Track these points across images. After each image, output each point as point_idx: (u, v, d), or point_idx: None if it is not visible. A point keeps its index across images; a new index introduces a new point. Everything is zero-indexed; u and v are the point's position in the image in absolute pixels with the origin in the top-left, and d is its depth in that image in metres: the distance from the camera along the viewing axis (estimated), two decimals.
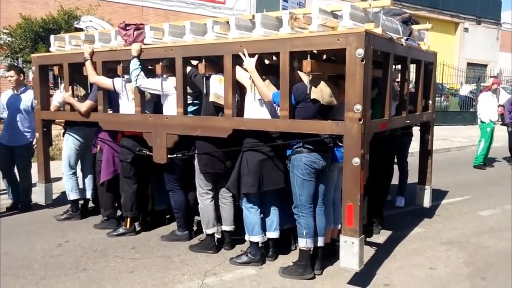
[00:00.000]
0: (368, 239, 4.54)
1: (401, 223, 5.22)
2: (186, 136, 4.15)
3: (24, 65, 9.81)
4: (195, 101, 4.31)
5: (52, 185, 5.60)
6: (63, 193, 5.56)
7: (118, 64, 4.56)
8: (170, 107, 4.25)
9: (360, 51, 3.15)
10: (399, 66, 4.64)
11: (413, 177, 5.67)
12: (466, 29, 25.57)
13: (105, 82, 4.56)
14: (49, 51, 5.48)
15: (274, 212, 4.03)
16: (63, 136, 5.35)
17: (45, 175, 5.41)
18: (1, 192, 6.05)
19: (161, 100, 4.39)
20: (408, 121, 4.48)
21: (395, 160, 5.76)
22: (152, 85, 4.28)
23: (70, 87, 4.93)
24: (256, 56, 3.70)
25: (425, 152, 5.23)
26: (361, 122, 3.22)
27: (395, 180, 5.63)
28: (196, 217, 4.72)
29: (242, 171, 3.85)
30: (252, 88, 3.79)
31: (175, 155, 4.27)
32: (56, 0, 13.20)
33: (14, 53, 11.16)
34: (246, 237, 4.02)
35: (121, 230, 4.74)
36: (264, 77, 3.76)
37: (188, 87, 4.20)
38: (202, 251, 4.27)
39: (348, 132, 3.28)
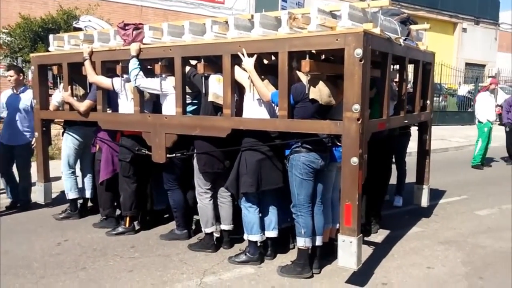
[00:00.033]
0: (366, 238, 4.56)
1: (399, 223, 5.24)
2: (185, 135, 4.16)
3: (23, 65, 9.81)
4: (194, 101, 4.32)
5: (52, 184, 5.62)
6: (63, 192, 5.57)
7: (117, 63, 4.57)
8: (169, 107, 4.26)
9: (359, 51, 3.17)
10: (397, 66, 4.66)
11: (411, 177, 5.68)
12: (464, 29, 25.60)
13: (104, 81, 4.57)
14: (48, 51, 5.49)
15: (272, 212, 4.05)
16: (63, 135, 5.36)
17: (44, 174, 5.42)
18: (0, 191, 6.06)
19: (160, 100, 4.40)
20: (406, 121, 4.50)
21: (393, 159, 5.78)
22: (151, 84, 4.29)
23: (69, 86, 4.94)
24: (255, 56, 3.72)
25: (423, 151, 5.26)
26: (359, 122, 3.24)
27: (393, 180, 5.64)
28: (195, 216, 4.74)
29: (241, 170, 3.87)
30: (251, 88, 3.80)
31: (174, 155, 4.28)
32: (55, 0, 13.18)
33: (13, 52, 11.15)
34: (245, 236, 4.04)
35: (120, 229, 4.76)
36: (263, 77, 3.78)
37: (187, 87, 4.21)
38: (201, 250, 4.28)
39: (347, 131, 3.29)
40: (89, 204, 5.55)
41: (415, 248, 4.50)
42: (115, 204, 5.02)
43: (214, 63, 4.03)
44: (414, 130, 5.56)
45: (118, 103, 4.65)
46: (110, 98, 4.75)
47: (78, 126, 5.15)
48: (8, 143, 5.57)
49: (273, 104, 3.71)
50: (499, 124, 11.13)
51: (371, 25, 3.45)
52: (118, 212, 5.03)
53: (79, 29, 5.30)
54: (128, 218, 4.76)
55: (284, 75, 3.51)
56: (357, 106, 3.22)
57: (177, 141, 4.23)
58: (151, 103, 4.61)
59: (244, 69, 3.80)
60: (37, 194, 5.54)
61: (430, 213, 5.62)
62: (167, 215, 5.13)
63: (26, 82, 6.36)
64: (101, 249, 4.37)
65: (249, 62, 3.68)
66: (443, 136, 13.03)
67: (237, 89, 3.99)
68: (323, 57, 4.07)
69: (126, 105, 4.55)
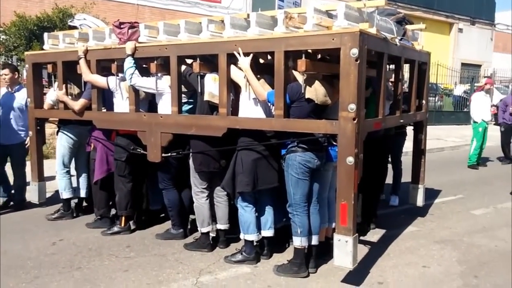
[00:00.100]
0: (362, 238, 4.56)
1: (394, 222, 5.25)
2: (181, 135, 4.15)
3: (18, 63, 9.76)
4: (189, 100, 4.31)
5: (46, 183, 5.59)
6: (57, 192, 5.54)
7: (112, 62, 4.54)
8: (165, 106, 4.24)
9: (355, 51, 3.17)
10: (393, 66, 4.67)
11: (407, 176, 5.69)
12: (460, 30, 25.70)
13: (99, 80, 4.55)
14: (43, 49, 5.46)
15: (268, 211, 4.04)
16: (57, 134, 5.33)
17: (38, 173, 5.40)
18: None
19: (156, 99, 4.39)
20: (401, 121, 4.50)
21: (389, 159, 5.79)
22: (146, 83, 4.28)
23: (64, 85, 4.92)
24: (251, 55, 3.71)
25: (418, 151, 5.27)
26: (355, 121, 3.24)
27: (389, 179, 5.66)
28: (191, 216, 4.73)
29: (237, 170, 3.86)
30: (247, 87, 3.80)
31: (169, 154, 4.27)
32: None
33: (8, 51, 11.11)
34: (241, 236, 4.03)
35: (115, 228, 4.74)
36: (259, 76, 3.77)
37: (182, 86, 4.20)
38: (197, 250, 4.28)
39: (342, 131, 3.29)
40: (84, 203, 5.52)
41: (410, 247, 4.51)
42: (110, 203, 5.00)
43: (210, 62, 4.02)
44: (410, 130, 5.57)
45: (113, 102, 4.63)
46: (105, 97, 4.72)
47: (73, 125, 5.12)
48: (2, 142, 5.54)
49: (269, 104, 3.70)
50: (494, 124, 11.18)
51: (367, 25, 3.45)
52: (113, 211, 5.01)
53: (74, 28, 5.27)
54: (123, 218, 4.74)
55: (280, 74, 3.51)
56: (353, 106, 3.22)
57: (172, 140, 4.22)
58: (146, 102, 4.60)
59: (240, 68, 3.79)
60: (31, 194, 5.51)
61: (425, 213, 5.64)
62: (163, 215, 5.12)
63: (21, 81, 6.32)
64: (96, 248, 4.35)
65: (245, 61, 3.68)
66: (439, 136, 13.07)
67: (233, 88, 3.98)
68: (319, 56, 4.06)
69: (121, 104, 4.53)
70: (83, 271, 3.86)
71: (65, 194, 5.25)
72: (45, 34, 5.29)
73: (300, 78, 3.57)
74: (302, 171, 3.63)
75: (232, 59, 3.80)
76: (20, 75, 6.12)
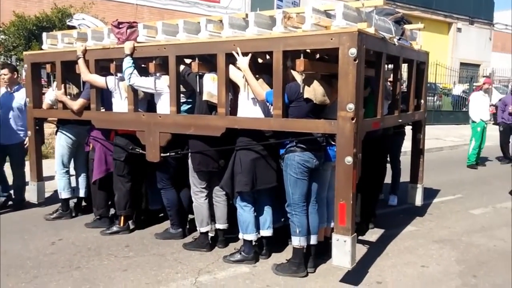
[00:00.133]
0: (360, 237, 4.57)
1: (393, 222, 5.25)
2: (180, 134, 4.15)
3: (17, 63, 9.76)
4: (188, 100, 4.31)
5: (45, 183, 5.59)
6: (56, 192, 5.54)
7: (111, 62, 4.54)
8: (164, 106, 4.25)
9: (353, 51, 3.17)
10: (391, 66, 4.67)
11: (406, 176, 5.70)
12: (459, 29, 25.72)
13: (98, 80, 4.55)
14: (42, 49, 5.46)
15: (267, 211, 4.05)
16: (56, 134, 5.34)
17: (37, 173, 5.40)
18: None
19: (155, 99, 4.39)
20: (400, 120, 4.51)
21: (388, 159, 5.80)
22: (145, 83, 4.28)
23: (63, 85, 4.92)
24: (250, 55, 3.71)
25: (417, 151, 5.27)
26: (353, 121, 3.24)
27: (388, 179, 5.66)
28: (190, 216, 4.73)
29: (236, 169, 3.86)
30: (246, 87, 3.80)
31: (168, 154, 4.27)
32: None
33: (7, 51, 11.10)
34: (240, 236, 4.03)
35: (114, 228, 4.74)
36: (257, 76, 3.77)
37: (181, 86, 4.20)
38: (195, 249, 4.28)
39: (341, 131, 3.30)
40: (83, 203, 5.52)
41: (409, 247, 4.51)
42: (109, 203, 5.00)
43: (208, 62, 4.02)
44: (408, 129, 5.58)
45: (112, 101, 4.63)
46: (104, 96, 4.73)
47: (71, 124, 5.12)
48: (1, 142, 5.54)
49: (268, 103, 3.71)
50: (493, 124, 11.19)
51: (365, 24, 3.45)
52: (112, 211, 5.01)
53: (73, 27, 5.27)
54: (122, 218, 4.75)
55: (279, 74, 3.51)
56: (351, 106, 3.22)
57: (171, 140, 4.22)
58: (145, 102, 4.60)
59: (238, 68, 3.80)
60: (30, 194, 5.52)
61: (424, 212, 5.64)
62: (162, 215, 5.12)
63: (20, 81, 6.32)
64: (96, 248, 4.35)
65: (243, 61, 3.68)
66: (438, 136, 13.08)
67: (232, 88, 3.98)
68: (317, 56, 4.07)
69: (120, 103, 4.53)
70: (82, 270, 3.86)
71: (64, 194, 5.25)
72: (44, 34, 5.29)
73: (298, 78, 3.57)
74: (300, 171, 3.64)
75: (230, 59, 3.81)
76: (19, 75, 6.12)
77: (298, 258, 3.77)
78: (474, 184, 7.40)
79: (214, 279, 3.71)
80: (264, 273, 3.82)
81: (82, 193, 5.39)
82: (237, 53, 3.70)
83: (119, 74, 4.48)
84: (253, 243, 4.04)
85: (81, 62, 4.58)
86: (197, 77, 4.01)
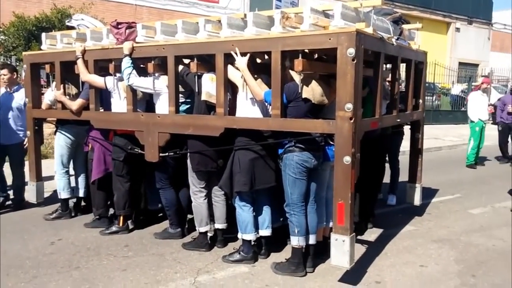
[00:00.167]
0: (359, 237, 4.57)
1: (392, 221, 5.26)
2: (178, 134, 4.16)
3: (17, 64, 9.77)
4: (187, 100, 4.32)
5: (44, 183, 5.59)
6: (55, 192, 5.54)
7: (110, 62, 4.55)
8: (162, 106, 4.25)
9: (351, 51, 3.18)
10: (389, 65, 4.68)
11: (404, 176, 5.71)
12: (457, 29, 25.74)
13: (97, 80, 4.55)
14: (41, 50, 5.46)
15: (266, 210, 4.05)
16: (55, 134, 5.34)
17: (36, 173, 5.40)
18: None
19: (153, 99, 4.40)
20: (398, 120, 4.52)
21: (387, 158, 5.80)
22: (144, 83, 4.28)
23: (62, 85, 4.92)
24: (248, 55, 3.72)
25: (415, 150, 5.28)
26: (352, 121, 3.25)
27: (386, 179, 5.67)
28: (189, 215, 4.73)
29: (234, 169, 3.87)
30: (244, 87, 3.81)
31: (167, 154, 4.28)
32: None
33: (7, 51, 11.12)
34: (239, 235, 4.04)
35: (114, 228, 4.74)
36: (256, 76, 3.78)
37: (180, 86, 4.21)
38: (194, 249, 4.28)
39: (339, 131, 3.30)
40: (82, 203, 5.52)
41: (408, 246, 4.52)
42: (109, 203, 5.01)
43: (207, 62, 4.03)
44: (407, 129, 5.58)
45: (111, 102, 4.63)
46: (103, 97, 4.73)
47: (71, 124, 5.12)
48: (1, 142, 5.54)
49: (266, 103, 3.72)
50: (492, 123, 11.20)
51: (363, 24, 3.46)
52: (111, 211, 5.01)
53: (72, 28, 5.28)
54: (122, 217, 4.75)
55: (277, 74, 3.52)
56: (349, 105, 3.23)
57: (170, 140, 4.22)
58: (144, 102, 4.60)
59: (237, 68, 3.80)
60: (29, 194, 5.52)
61: (423, 212, 5.65)
62: (161, 214, 5.12)
63: (20, 81, 6.33)
64: (95, 248, 4.36)
65: (242, 61, 3.69)
66: (436, 135, 13.09)
67: (230, 88, 3.99)
68: (316, 56, 4.07)
69: (119, 104, 4.54)
70: (82, 270, 3.87)
71: (64, 194, 5.25)
72: (43, 34, 5.29)
73: (297, 77, 3.58)
74: (299, 171, 3.64)
75: (229, 59, 3.81)
76: (18, 75, 6.13)
77: (297, 258, 3.78)
78: (473, 184, 7.41)
79: (213, 279, 3.71)
80: (263, 273, 3.83)
81: (81, 193, 5.39)
82: (236, 53, 3.70)
83: (118, 74, 4.48)
84: (252, 243, 4.04)
85: (80, 62, 4.59)
86: (196, 77, 4.02)
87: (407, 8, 21.26)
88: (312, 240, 3.86)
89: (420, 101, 5.10)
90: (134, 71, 4.24)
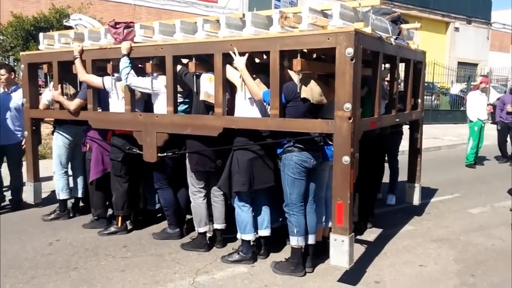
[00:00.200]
0: (358, 237, 4.57)
1: (391, 221, 5.25)
2: (177, 134, 4.15)
3: (15, 64, 9.76)
4: (185, 100, 4.31)
5: (42, 184, 5.58)
6: (53, 192, 5.53)
7: (108, 62, 4.54)
8: (161, 106, 4.24)
9: (350, 50, 3.17)
10: (388, 65, 4.67)
11: (404, 175, 5.70)
12: (456, 29, 25.76)
13: (95, 80, 4.54)
14: (39, 50, 5.45)
15: (265, 210, 4.04)
16: (52, 134, 5.32)
17: (34, 174, 5.38)
18: None
19: (152, 99, 4.38)
20: (397, 120, 4.51)
21: (386, 158, 5.79)
22: (142, 83, 4.27)
23: (60, 85, 4.91)
24: (247, 54, 3.71)
25: (414, 150, 5.28)
26: (350, 120, 3.24)
27: (386, 178, 5.66)
28: (188, 216, 4.72)
29: (233, 169, 3.86)
30: (243, 86, 3.80)
31: (165, 154, 4.27)
32: None
33: (5, 51, 11.10)
34: (238, 236, 4.03)
35: (112, 228, 4.73)
36: (254, 75, 3.77)
37: (178, 86, 4.19)
38: (193, 250, 4.27)
39: (338, 130, 3.29)
40: (81, 204, 5.51)
41: (407, 246, 4.51)
42: (107, 204, 4.99)
43: (205, 62, 4.02)
44: (406, 129, 5.58)
45: (109, 102, 4.62)
46: (101, 97, 4.72)
47: (68, 125, 5.11)
48: None
49: (265, 103, 3.71)
50: (491, 123, 11.19)
51: (362, 24, 3.46)
52: (110, 212, 5.00)
53: (70, 28, 5.26)
54: (120, 218, 4.73)
55: (276, 74, 3.51)
56: (348, 105, 3.22)
57: (168, 140, 4.21)
58: (142, 102, 4.59)
59: (235, 68, 3.79)
60: (27, 194, 5.51)
61: (422, 212, 5.65)
62: (160, 215, 5.11)
63: (18, 81, 6.31)
64: (93, 249, 4.34)
65: (240, 61, 3.68)
66: (436, 135, 13.09)
67: (229, 88, 3.98)
68: (314, 56, 4.06)
69: (117, 104, 4.53)
70: (80, 271, 3.85)
71: (62, 195, 5.23)
72: (41, 34, 5.28)
73: (295, 77, 3.57)
74: (298, 171, 3.63)
75: (227, 59, 3.80)
76: (16, 76, 6.12)
77: (296, 258, 3.77)
78: (472, 183, 7.41)
79: (212, 279, 3.70)
80: (262, 273, 3.82)
81: (79, 194, 5.37)
82: (234, 53, 3.69)
83: (116, 74, 4.47)
84: (251, 243, 4.04)
85: (78, 62, 4.57)
86: (194, 77, 4.01)
87: (406, 8, 21.26)
88: (311, 240, 3.86)
89: (419, 100, 5.10)
90: (132, 71, 4.23)
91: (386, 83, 4.89)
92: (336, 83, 3.27)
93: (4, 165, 5.79)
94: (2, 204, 5.70)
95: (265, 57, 4.07)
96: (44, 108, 5.19)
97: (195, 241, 4.35)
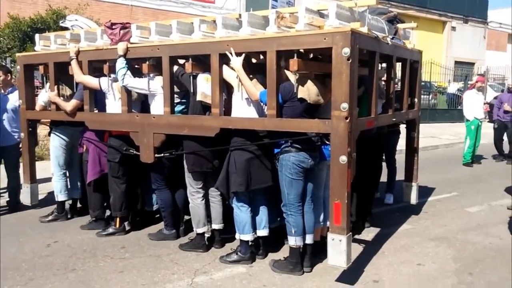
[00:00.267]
0: (356, 236, 4.57)
1: (389, 220, 5.26)
2: (174, 135, 4.14)
3: (12, 65, 9.71)
4: (182, 100, 4.30)
5: (39, 185, 5.56)
6: (50, 194, 5.52)
7: (104, 63, 4.53)
8: (157, 107, 4.24)
9: (346, 50, 3.17)
10: (385, 65, 4.68)
11: (402, 175, 5.71)
12: (453, 28, 25.81)
13: (91, 81, 4.53)
14: (36, 51, 5.44)
15: (263, 211, 4.04)
16: (49, 135, 5.31)
17: (30, 175, 5.37)
18: None
19: (148, 100, 4.38)
20: (394, 119, 4.52)
21: (384, 157, 5.80)
22: (138, 84, 4.27)
23: (56, 86, 4.89)
24: (243, 55, 3.71)
25: (411, 149, 5.28)
26: (347, 120, 3.24)
27: (383, 178, 5.66)
28: (186, 216, 4.72)
29: (230, 170, 3.86)
30: (239, 87, 3.80)
31: (162, 155, 4.26)
32: (44, 0, 13.09)
33: (2, 52, 11.07)
34: (237, 236, 4.03)
35: (110, 229, 4.72)
36: (251, 76, 3.77)
37: (175, 86, 4.19)
38: (192, 250, 4.27)
39: (335, 130, 3.29)
40: (78, 205, 5.49)
41: (405, 245, 4.52)
42: (105, 205, 4.98)
43: (202, 62, 4.01)
44: (403, 128, 5.58)
45: (106, 103, 4.61)
46: (97, 97, 4.71)
47: (65, 126, 5.10)
48: None
49: (262, 103, 3.71)
50: (488, 122, 11.21)
51: (358, 24, 3.45)
52: (108, 213, 4.99)
53: (66, 29, 5.25)
54: (118, 219, 4.73)
55: (272, 74, 3.51)
56: (345, 105, 3.22)
57: (165, 140, 4.21)
58: (139, 103, 4.58)
59: (232, 68, 3.79)
60: (23, 196, 5.49)
61: (420, 211, 5.66)
62: (158, 215, 5.10)
63: (15, 83, 6.30)
64: (91, 250, 4.34)
65: (237, 61, 3.67)
66: (433, 134, 13.11)
67: (226, 88, 3.98)
68: (311, 56, 4.07)
69: (114, 104, 4.52)
70: (78, 272, 3.85)
71: (61, 197, 5.21)
72: (37, 35, 5.27)
73: (292, 77, 3.57)
74: (296, 171, 3.63)
75: (224, 59, 3.80)
76: (13, 77, 6.10)
77: (295, 257, 3.77)
78: (469, 182, 7.42)
79: (211, 280, 3.70)
80: (261, 273, 3.82)
81: (77, 195, 5.36)
82: (231, 53, 3.69)
83: (112, 75, 4.46)
84: (250, 243, 4.03)
85: (74, 63, 4.56)
86: (191, 77, 4.00)
87: (403, 8, 21.28)
88: (309, 239, 3.86)
89: (416, 100, 5.11)
90: (128, 72, 4.23)
91: (382, 82, 4.89)
92: (333, 83, 3.28)
93: (1, 167, 5.77)
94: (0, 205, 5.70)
95: (261, 57, 4.07)
96: (41, 109, 5.17)
97: (193, 242, 4.35)
